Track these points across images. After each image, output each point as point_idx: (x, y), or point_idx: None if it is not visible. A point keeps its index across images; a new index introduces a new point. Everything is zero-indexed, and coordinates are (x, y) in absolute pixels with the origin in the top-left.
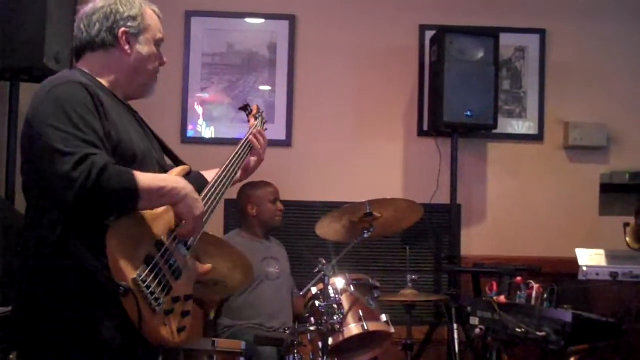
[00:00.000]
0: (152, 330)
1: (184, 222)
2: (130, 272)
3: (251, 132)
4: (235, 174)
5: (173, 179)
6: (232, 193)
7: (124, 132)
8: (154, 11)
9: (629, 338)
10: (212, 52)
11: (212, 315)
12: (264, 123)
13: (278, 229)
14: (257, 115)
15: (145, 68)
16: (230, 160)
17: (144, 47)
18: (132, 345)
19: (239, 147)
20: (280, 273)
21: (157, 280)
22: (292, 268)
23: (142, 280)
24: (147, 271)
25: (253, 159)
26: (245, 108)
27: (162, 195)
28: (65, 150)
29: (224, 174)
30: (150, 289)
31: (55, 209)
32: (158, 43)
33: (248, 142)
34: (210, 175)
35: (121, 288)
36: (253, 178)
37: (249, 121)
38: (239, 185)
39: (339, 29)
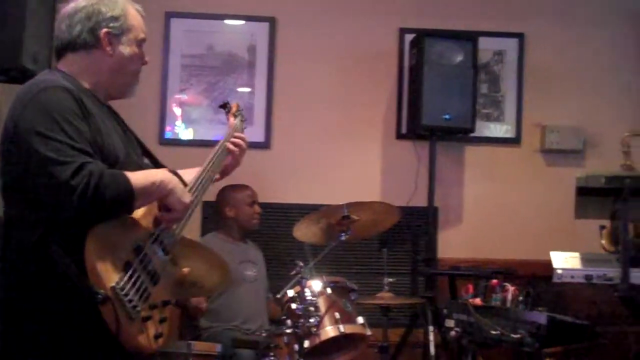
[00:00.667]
0: (129, 338)
1: (170, 210)
2: (108, 280)
3: (230, 134)
4: (214, 174)
5: (159, 173)
6: (210, 195)
7: (106, 136)
8: (138, 10)
9: (603, 340)
10: (192, 54)
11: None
12: (244, 122)
13: (256, 231)
14: (237, 114)
15: (127, 69)
16: (209, 161)
17: (126, 48)
18: (109, 352)
19: (217, 147)
20: (258, 276)
21: (135, 287)
22: (269, 270)
23: (120, 288)
24: (125, 278)
25: (229, 162)
26: (224, 106)
27: (153, 192)
28: (60, 159)
29: (203, 174)
30: (129, 297)
31: (43, 214)
32: (140, 43)
33: (229, 137)
34: (187, 175)
35: (99, 296)
36: (231, 180)
37: (228, 120)
38: (216, 188)
39: (318, 31)
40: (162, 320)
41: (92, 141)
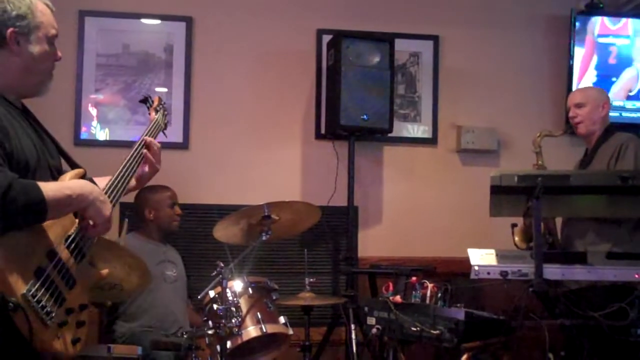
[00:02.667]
0: (44, 344)
1: (91, 222)
2: (19, 288)
3: (150, 129)
4: (129, 180)
5: (78, 185)
6: (129, 196)
7: (15, 139)
8: (47, 5)
9: (518, 334)
10: (107, 53)
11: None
12: (166, 115)
13: (176, 232)
14: (158, 108)
15: (38, 68)
16: (124, 166)
17: (35, 47)
18: (23, 358)
19: (133, 150)
20: (177, 277)
21: (48, 293)
22: (189, 271)
23: (32, 295)
24: (37, 285)
25: (146, 168)
26: (145, 100)
27: (69, 204)
28: None
29: (117, 180)
30: (41, 303)
31: None
32: (51, 40)
33: (142, 145)
34: (102, 182)
35: (10, 304)
36: (151, 181)
37: (149, 114)
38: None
39: (236, 31)
40: (79, 324)
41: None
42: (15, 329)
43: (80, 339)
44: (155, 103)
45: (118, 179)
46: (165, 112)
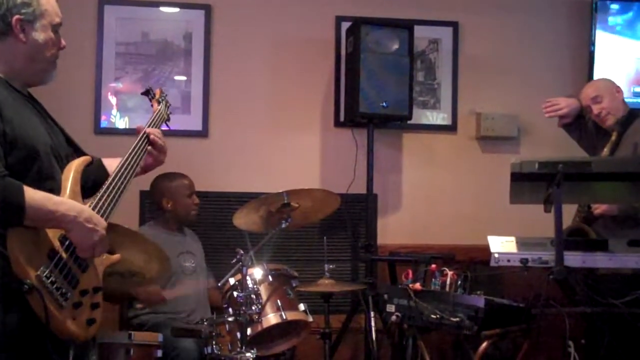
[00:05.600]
0: (60, 325)
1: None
2: (33, 269)
3: (153, 119)
4: (137, 166)
5: (67, 205)
6: (146, 184)
7: (21, 127)
8: None
9: (539, 322)
10: (126, 42)
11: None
12: (168, 107)
13: (195, 220)
14: (161, 99)
15: (42, 55)
16: (130, 153)
17: (40, 34)
18: (41, 340)
19: (134, 145)
20: (196, 267)
21: (62, 275)
22: (209, 259)
23: (45, 276)
24: (51, 266)
25: (150, 160)
26: (147, 93)
27: (49, 220)
28: None
29: (124, 166)
30: (56, 285)
31: None
32: (56, 28)
33: (144, 139)
34: (112, 163)
35: (25, 286)
36: (169, 169)
37: (152, 106)
38: (151, 176)
39: (255, 19)
40: (94, 306)
41: (1, 133)
42: (31, 313)
43: (96, 320)
44: (157, 95)
45: (127, 162)
46: (168, 104)
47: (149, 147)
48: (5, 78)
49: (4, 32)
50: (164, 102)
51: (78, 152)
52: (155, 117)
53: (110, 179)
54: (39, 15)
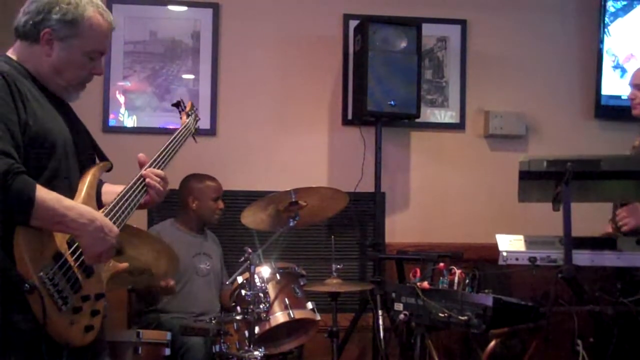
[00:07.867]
0: (57, 328)
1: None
2: (36, 269)
3: (182, 132)
4: (140, 199)
5: (78, 210)
6: (174, 183)
7: (43, 121)
8: (107, 23)
9: (547, 320)
10: (134, 40)
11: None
12: (197, 121)
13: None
14: (190, 113)
15: (64, 73)
16: (124, 198)
17: (65, 53)
18: (37, 342)
19: (133, 183)
20: (211, 269)
21: (65, 278)
22: None
23: (48, 277)
24: (55, 268)
25: (148, 199)
26: (178, 104)
27: (57, 222)
28: None
29: (128, 195)
30: (57, 287)
31: None
32: (91, 54)
33: (142, 182)
34: (110, 190)
35: (26, 285)
36: (181, 167)
37: (181, 118)
38: (181, 175)
39: (262, 17)
40: (94, 313)
41: (24, 124)
42: (30, 314)
43: (94, 327)
44: (188, 107)
45: (119, 211)
46: (197, 118)
47: (149, 180)
48: (34, 74)
49: (34, 39)
50: (193, 114)
51: (100, 156)
52: (183, 129)
53: (126, 188)
54: (71, 36)
